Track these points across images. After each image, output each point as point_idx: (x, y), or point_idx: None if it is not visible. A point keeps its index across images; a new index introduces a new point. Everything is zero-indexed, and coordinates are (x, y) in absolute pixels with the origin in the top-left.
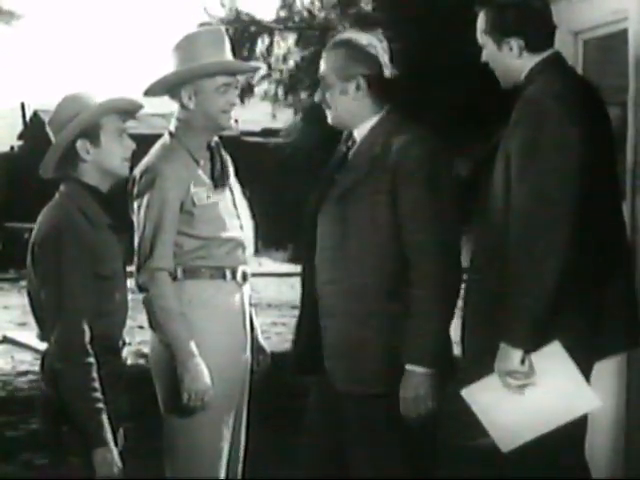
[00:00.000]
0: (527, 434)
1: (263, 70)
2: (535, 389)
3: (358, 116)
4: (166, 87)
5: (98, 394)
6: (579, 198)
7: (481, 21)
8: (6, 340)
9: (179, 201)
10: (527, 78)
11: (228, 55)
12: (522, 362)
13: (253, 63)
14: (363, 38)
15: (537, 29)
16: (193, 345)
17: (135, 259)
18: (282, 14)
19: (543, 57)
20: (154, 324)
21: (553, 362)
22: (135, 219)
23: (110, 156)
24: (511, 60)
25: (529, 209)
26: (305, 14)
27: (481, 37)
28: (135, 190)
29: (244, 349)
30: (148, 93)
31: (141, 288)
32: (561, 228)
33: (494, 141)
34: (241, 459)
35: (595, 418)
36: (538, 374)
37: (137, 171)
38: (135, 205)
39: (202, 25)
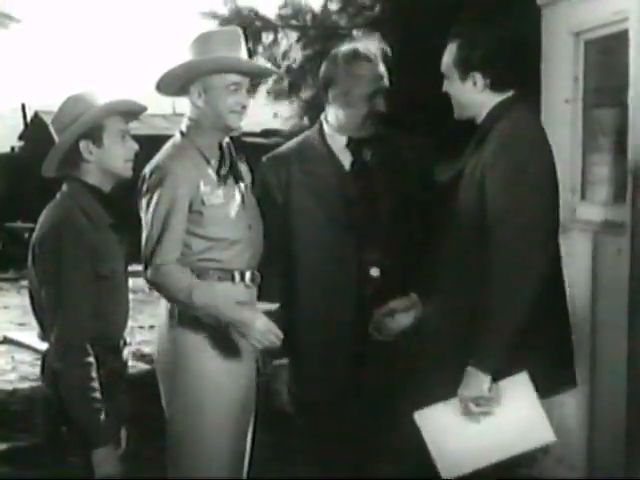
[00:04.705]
0: (474, 463)
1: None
2: (492, 418)
3: None
4: (177, 83)
5: (97, 394)
6: (553, 229)
7: (450, 52)
8: (6, 340)
9: (188, 200)
10: (493, 113)
11: (243, 55)
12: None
13: (268, 66)
14: None
15: (504, 69)
16: (226, 303)
17: (144, 259)
18: (286, 11)
19: (508, 96)
20: (185, 310)
21: (517, 392)
22: (143, 217)
23: (113, 157)
24: (472, 95)
25: (507, 236)
26: (309, 14)
27: (447, 67)
28: (144, 188)
29: (251, 352)
30: (160, 89)
31: (151, 285)
32: (540, 258)
33: (462, 163)
34: (247, 460)
35: (595, 418)
36: (500, 402)
37: (147, 169)
38: (144, 203)
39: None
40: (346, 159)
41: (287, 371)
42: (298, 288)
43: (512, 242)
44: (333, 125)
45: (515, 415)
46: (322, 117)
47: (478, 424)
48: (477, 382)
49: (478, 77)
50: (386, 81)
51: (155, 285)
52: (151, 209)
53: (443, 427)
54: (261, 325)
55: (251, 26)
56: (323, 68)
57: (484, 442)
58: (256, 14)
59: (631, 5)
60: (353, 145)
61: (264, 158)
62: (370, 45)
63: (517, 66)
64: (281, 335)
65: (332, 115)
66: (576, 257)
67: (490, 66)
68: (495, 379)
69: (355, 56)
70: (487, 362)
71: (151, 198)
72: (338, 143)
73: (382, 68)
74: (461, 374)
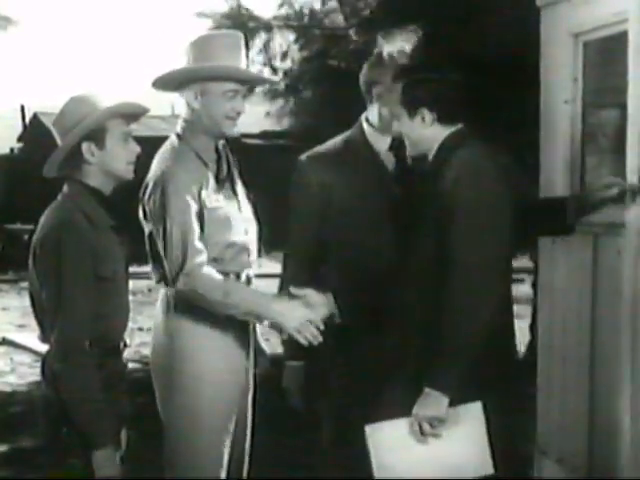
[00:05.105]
0: None
1: (266, 72)
2: (440, 442)
3: None
4: (174, 83)
5: (98, 395)
6: (510, 255)
7: (396, 92)
8: (5, 342)
9: (196, 204)
10: (445, 144)
11: (242, 61)
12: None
13: (266, 75)
14: None
15: (450, 103)
16: (262, 300)
17: (167, 270)
18: (282, 11)
19: (457, 128)
20: (224, 312)
21: (468, 420)
22: (152, 227)
23: (115, 159)
24: (422, 130)
25: (469, 264)
26: (306, 12)
27: (395, 107)
28: (151, 199)
29: (246, 353)
30: (156, 85)
31: (183, 294)
32: (497, 283)
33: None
34: (246, 461)
35: (595, 418)
36: (450, 428)
37: (150, 178)
38: (151, 214)
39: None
40: (389, 160)
41: (301, 373)
42: (338, 290)
43: (469, 273)
44: (375, 125)
45: (462, 443)
46: (362, 118)
47: (425, 446)
48: (435, 402)
49: (425, 112)
50: None
51: (188, 292)
52: (166, 220)
53: (390, 444)
54: (300, 315)
55: (245, 26)
56: (366, 69)
57: (426, 465)
58: (251, 15)
59: (630, 6)
60: (397, 145)
61: (303, 157)
62: (414, 42)
63: (462, 98)
64: (321, 327)
65: (375, 114)
66: (576, 258)
67: (436, 100)
68: (450, 403)
69: (402, 54)
70: (447, 384)
71: (162, 208)
72: (381, 143)
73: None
74: (414, 394)
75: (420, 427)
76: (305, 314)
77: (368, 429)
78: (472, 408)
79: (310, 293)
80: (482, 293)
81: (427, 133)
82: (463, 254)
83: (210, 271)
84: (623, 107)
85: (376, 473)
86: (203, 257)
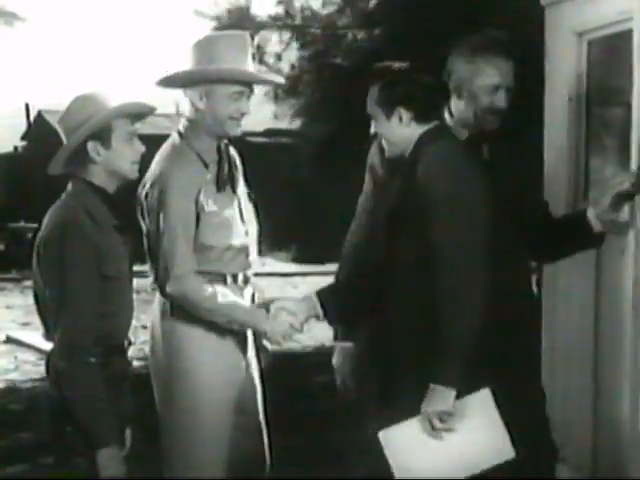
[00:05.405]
0: None
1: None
2: (454, 435)
3: None
4: (179, 83)
5: (102, 394)
6: (491, 247)
7: (372, 94)
8: (9, 340)
9: (193, 206)
10: (420, 142)
11: (248, 63)
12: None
13: (272, 77)
14: None
15: (425, 101)
16: (248, 308)
17: (161, 272)
18: (279, 11)
19: (432, 125)
20: (209, 318)
21: (479, 409)
22: (149, 226)
23: (120, 159)
24: (400, 130)
25: (454, 257)
26: (306, 12)
27: (371, 109)
28: (148, 198)
29: (245, 351)
30: (161, 84)
31: (172, 297)
32: (483, 273)
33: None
34: (267, 458)
35: (599, 417)
36: (462, 419)
37: (149, 177)
38: (148, 213)
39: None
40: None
41: (353, 355)
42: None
43: (454, 265)
44: (451, 118)
45: (477, 432)
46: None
47: (441, 441)
48: (441, 397)
49: (402, 111)
50: (511, 77)
51: (178, 296)
52: (161, 221)
53: (406, 446)
54: (283, 322)
55: (242, 26)
56: (448, 60)
57: (446, 461)
58: (250, 17)
59: (635, 5)
60: (475, 140)
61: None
62: (499, 38)
63: (437, 96)
64: (302, 331)
65: (458, 107)
66: (579, 257)
67: (412, 99)
68: (457, 395)
69: (481, 47)
70: (449, 377)
71: (157, 209)
72: (461, 136)
73: (510, 64)
74: (419, 392)
75: (431, 423)
76: (287, 321)
77: (382, 435)
78: (481, 396)
79: (289, 302)
80: (469, 285)
81: (405, 133)
82: (445, 248)
83: (200, 279)
84: (627, 105)
85: (397, 476)
86: (193, 263)
